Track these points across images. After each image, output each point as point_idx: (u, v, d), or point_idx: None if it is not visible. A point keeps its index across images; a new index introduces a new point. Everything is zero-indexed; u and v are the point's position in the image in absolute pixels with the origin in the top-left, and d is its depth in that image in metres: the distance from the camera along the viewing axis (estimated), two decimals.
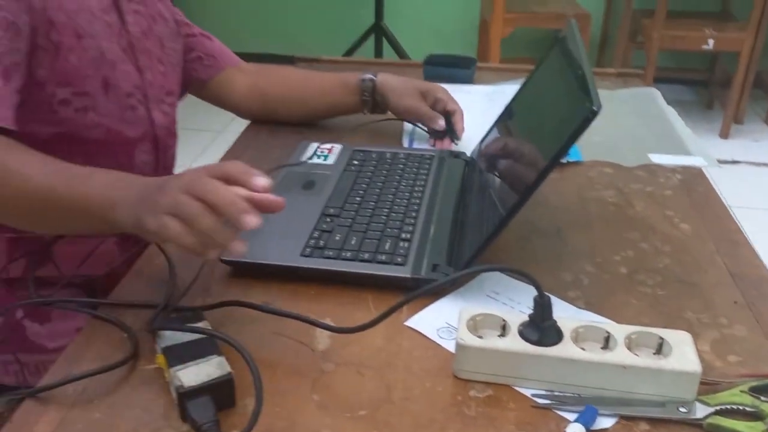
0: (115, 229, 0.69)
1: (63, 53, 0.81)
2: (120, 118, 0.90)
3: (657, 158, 1.07)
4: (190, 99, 1.15)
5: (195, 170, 0.64)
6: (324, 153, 1.02)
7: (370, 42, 3.44)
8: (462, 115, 1.09)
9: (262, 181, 0.62)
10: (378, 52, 3.47)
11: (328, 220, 0.84)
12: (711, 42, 2.87)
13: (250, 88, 1.13)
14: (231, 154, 1.07)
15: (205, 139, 2.86)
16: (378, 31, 3.43)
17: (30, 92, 0.80)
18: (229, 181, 0.62)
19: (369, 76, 1.10)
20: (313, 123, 1.17)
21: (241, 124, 1.19)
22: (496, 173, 0.86)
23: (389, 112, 1.13)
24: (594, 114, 0.65)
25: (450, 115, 1.08)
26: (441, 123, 1.07)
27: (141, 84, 0.93)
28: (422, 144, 1.12)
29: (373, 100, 1.11)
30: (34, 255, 0.86)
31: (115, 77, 0.88)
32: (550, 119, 0.79)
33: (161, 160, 0.99)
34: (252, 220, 0.59)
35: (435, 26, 3.67)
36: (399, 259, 0.76)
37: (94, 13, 0.86)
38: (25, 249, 0.88)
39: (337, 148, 1.04)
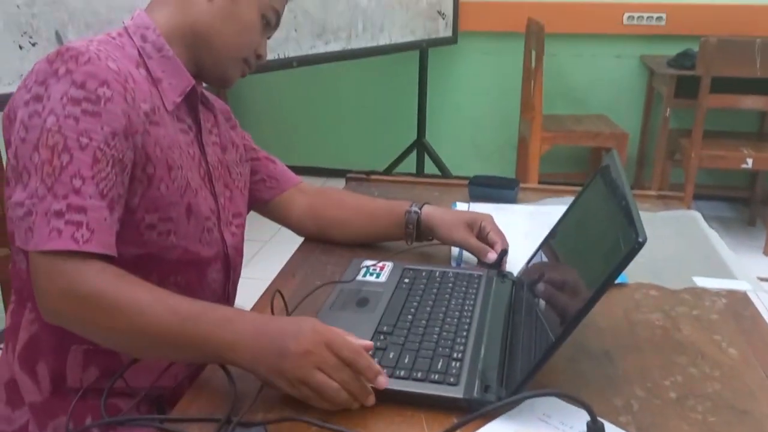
0: (227, 364, 0.79)
1: (155, 183, 0.89)
2: (197, 239, 0.97)
3: (701, 281, 1.09)
4: None
5: (316, 337, 0.75)
6: (376, 271, 1.07)
7: (413, 156, 3.58)
8: (505, 248, 1.11)
9: (384, 381, 0.76)
10: (420, 166, 3.60)
11: (382, 337, 0.87)
12: (750, 161, 2.91)
13: (306, 210, 1.20)
14: (287, 270, 1.12)
15: (252, 248, 2.95)
16: (420, 146, 3.57)
17: (121, 218, 0.87)
18: (351, 365, 0.75)
19: (415, 208, 1.16)
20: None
21: (286, 234, 1.26)
22: (544, 297, 0.89)
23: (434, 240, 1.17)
24: (640, 245, 0.69)
25: (493, 245, 1.11)
26: (491, 257, 1.09)
27: (216, 208, 1.01)
28: (470, 264, 1.15)
29: (417, 231, 1.16)
30: (110, 373, 0.90)
31: (197, 203, 0.96)
32: (596, 247, 0.83)
33: (231, 278, 1.06)
34: (372, 399, 0.76)
35: (474, 143, 3.81)
36: (451, 379, 0.78)
37: (182, 147, 0.96)
38: (98, 359, 0.92)
39: (389, 266, 1.09)
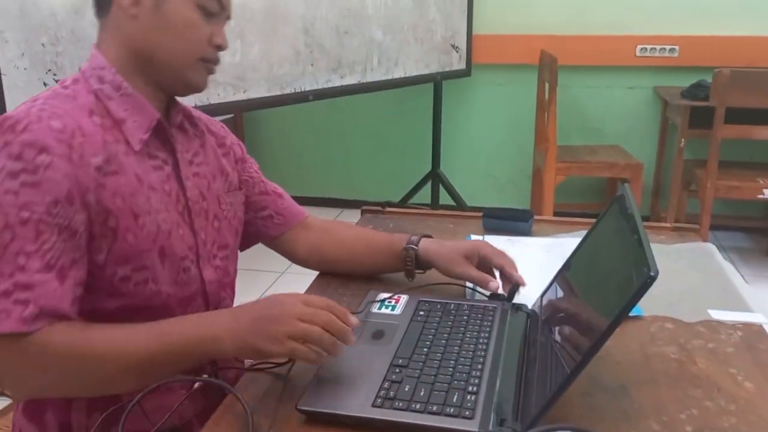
0: (213, 358, 0.86)
1: (121, 235, 0.87)
2: (174, 281, 0.95)
3: (717, 314, 1.09)
4: None
5: (293, 299, 0.85)
6: (391, 303, 1.08)
7: (428, 187, 3.60)
8: (514, 264, 1.10)
9: (355, 320, 0.87)
10: (434, 197, 3.62)
11: (398, 370, 0.88)
12: (766, 192, 2.90)
13: (310, 249, 1.21)
14: None
15: (267, 279, 2.97)
16: (435, 177, 3.60)
17: (92, 275, 0.86)
18: (326, 309, 0.85)
19: (412, 245, 1.15)
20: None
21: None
22: (559, 330, 0.90)
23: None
24: (652, 279, 0.70)
25: (501, 269, 1.10)
26: (493, 285, 1.09)
27: (194, 244, 0.98)
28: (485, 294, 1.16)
29: (417, 266, 1.16)
30: (114, 416, 0.87)
31: (171, 245, 0.93)
32: (610, 280, 0.84)
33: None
34: (353, 339, 0.86)
35: (489, 174, 3.83)
36: (467, 413, 0.79)
37: (154, 187, 0.92)
38: (101, 405, 0.90)
39: (404, 298, 1.10)
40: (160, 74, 0.94)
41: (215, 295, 1.03)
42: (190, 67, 0.94)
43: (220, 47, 0.96)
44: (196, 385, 0.95)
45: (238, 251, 1.13)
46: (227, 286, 1.06)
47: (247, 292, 1.16)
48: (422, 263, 1.16)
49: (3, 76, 1.65)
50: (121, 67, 0.93)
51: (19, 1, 1.64)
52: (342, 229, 1.26)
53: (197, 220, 0.99)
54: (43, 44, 1.74)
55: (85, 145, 0.85)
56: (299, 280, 1.23)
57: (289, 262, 1.24)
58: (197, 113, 1.08)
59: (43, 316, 0.79)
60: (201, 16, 0.93)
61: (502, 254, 1.12)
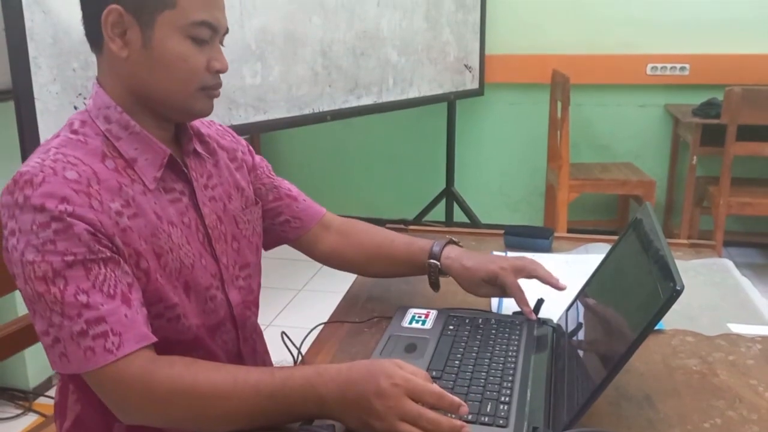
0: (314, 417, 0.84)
1: (152, 276, 0.89)
2: (201, 311, 0.96)
3: (736, 328, 1.13)
4: (271, 259, 1.23)
5: (399, 389, 0.79)
6: (422, 318, 1.12)
7: (442, 205, 3.65)
8: (524, 297, 1.12)
9: (466, 408, 0.80)
10: (449, 215, 3.66)
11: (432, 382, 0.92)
12: None
13: (329, 251, 1.22)
14: (333, 318, 1.18)
15: (286, 296, 3.01)
16: (449, 195, 3.64)
17: None
18: (435, 407, 0.79)
19: (434, 261, 1.15)
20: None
21: (321, 282, 1.29)
22: (585, 343, 0.94)
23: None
24: (678, 293, 0.74)
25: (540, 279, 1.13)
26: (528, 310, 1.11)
27: (217, 271, 0.99)
28: (511, 301, 1.18)
29: (438, 278, 1.17)
30: None
31: (194, 277, 0.95)
32: (634, 295, 0.88)
33: (240, 334, 1.05)
34: (463, 417, 0.80)
35: (502, 191, 3.87)
36: (501, 421, 0.83)
37: (173, 222, 0.93)
38: (142, 429, 0.89)
39: (433, 313, 1.14)
40: (162, 108, 0.94)
41: (241, 316, 1.04)
42: (191, 98, 0.93)
43: (221, 70, 0.94)
44: None
45: (261, 264, 1.13)
46: (251, 304, 1.08)
47: (265, 309, 1.16)
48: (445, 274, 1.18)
49: (36, 101, 1.71)
50: (125, 104, 0.92)
51: (51, 29, 1.70)
52: (360, 233, 1.24)
53: (218, 245, 1.00)
54: (74, 69, 1.80)
55: (102, 192, 0.86)
56: (317, 297, 1.27)
57: (307, 280, 1.27)
58: (206, 129, 1.08)
59: (127, 341, 0.81)
60: (192, 45, 0.90)
61: (520, 287, 1.11)
